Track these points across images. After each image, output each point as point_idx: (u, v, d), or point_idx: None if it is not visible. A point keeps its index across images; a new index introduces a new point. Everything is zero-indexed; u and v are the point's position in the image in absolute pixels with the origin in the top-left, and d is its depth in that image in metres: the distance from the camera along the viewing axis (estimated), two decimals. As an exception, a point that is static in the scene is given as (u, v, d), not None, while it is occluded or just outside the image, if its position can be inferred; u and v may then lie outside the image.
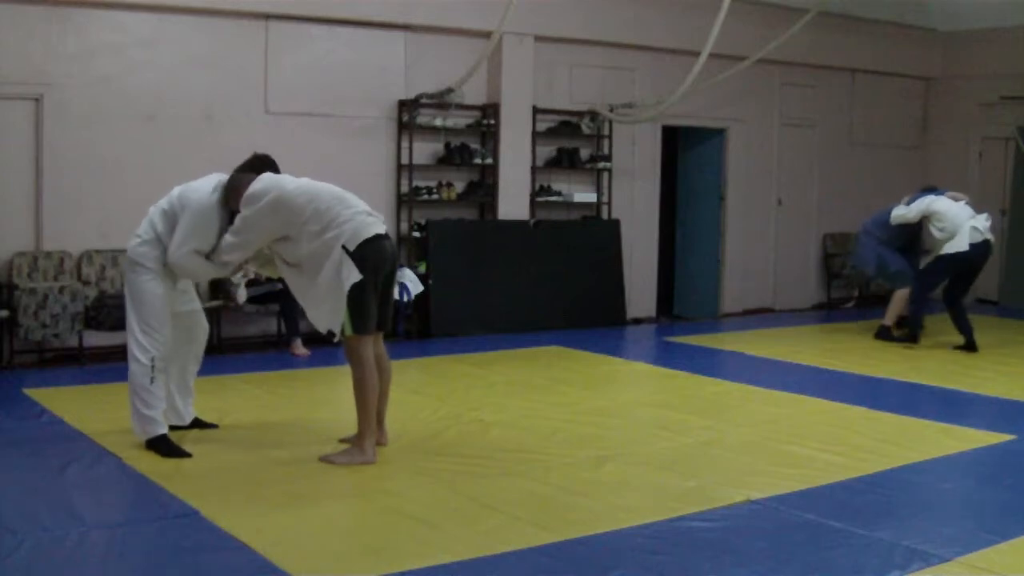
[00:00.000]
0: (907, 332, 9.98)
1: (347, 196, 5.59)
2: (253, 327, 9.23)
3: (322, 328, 5.61)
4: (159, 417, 5.59)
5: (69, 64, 8.29)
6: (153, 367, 5.54)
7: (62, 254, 8.30)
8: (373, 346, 5.63)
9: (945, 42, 13.40)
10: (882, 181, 12.85)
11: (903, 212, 9.94)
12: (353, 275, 5.34)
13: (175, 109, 8.73)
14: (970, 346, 9.57)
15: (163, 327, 5.61)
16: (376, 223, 5.50)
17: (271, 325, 9.26)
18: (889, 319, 10.13)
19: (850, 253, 10.71)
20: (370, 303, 5.44)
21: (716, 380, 8.07)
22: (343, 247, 5.36)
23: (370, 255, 5.40)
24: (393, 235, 9.87)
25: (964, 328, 9.64)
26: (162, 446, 5.53)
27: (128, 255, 5.77)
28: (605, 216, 10.99)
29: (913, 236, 10.22)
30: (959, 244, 9.59)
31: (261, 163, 5.82)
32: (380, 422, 5.75)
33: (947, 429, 6.48)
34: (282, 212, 5.47)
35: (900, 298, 10.11)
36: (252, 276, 8.68)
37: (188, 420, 6.00)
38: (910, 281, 9.99)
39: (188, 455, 5.51)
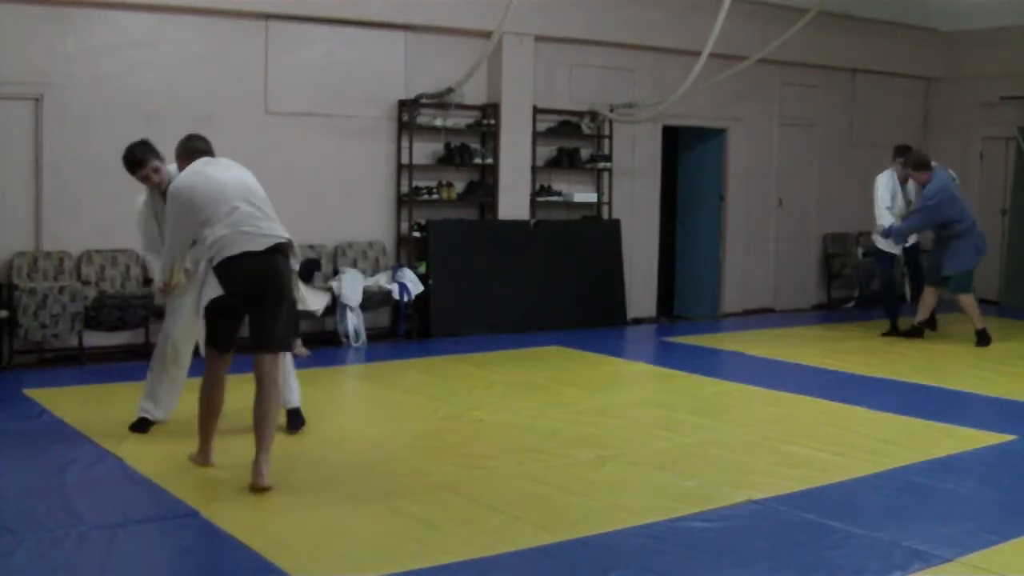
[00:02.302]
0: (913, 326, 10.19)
1: (240, 205, 5.20)
2: (253, 327, 9.22)
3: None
4: (143, 403, 6.11)
5: (69, 64, 8.29)
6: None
7: (62, 254, 8.30)
8: (247, 364, 5.33)
9: (945, 42, 13.40)
10: (882, 181, 12.84)
11: None
12: (209, 291, 5.20)
13: (175, 109, 8.72)
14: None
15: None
16: (248, 240, 5.13)
17: (271, 325, 9.25)
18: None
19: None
20: (220, 320, 5.26)
21: (716, 380, 8.07)
22: (209, 260, 5.21)
23: (228, 273, 5.13)
24: (393, 235, 9.92)
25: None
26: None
27: None
28: (605, 216, 10.99)
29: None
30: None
31: (193, 148, 5.66)
32: (258, 450, 5.10)
33: (947, 429, 6.48)
34: (188, 214, 5.29)
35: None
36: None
37: None
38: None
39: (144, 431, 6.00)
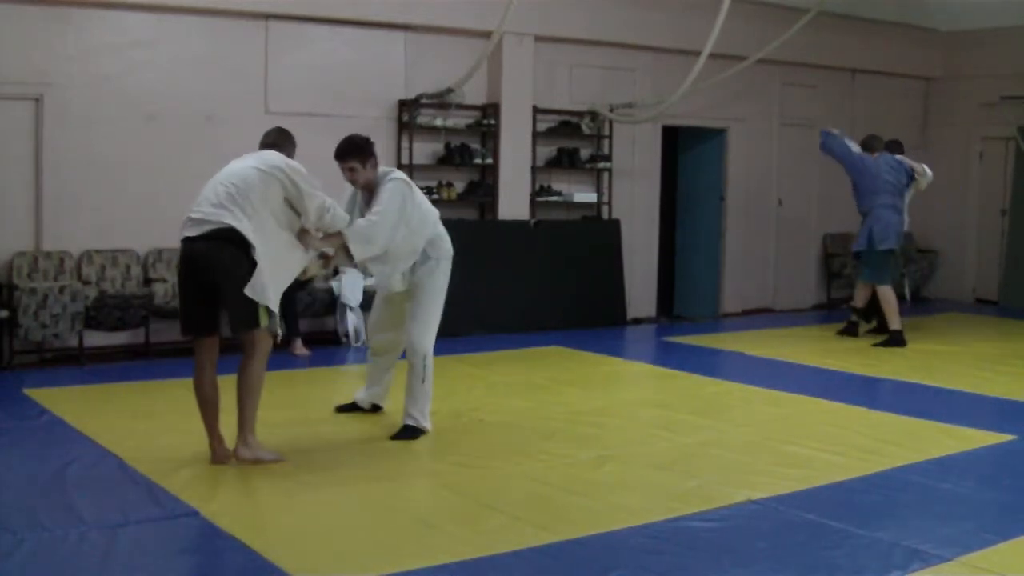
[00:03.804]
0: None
1: (206, 194, 5.33)
2: (253, 327, 9.21)
3: None
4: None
5: (69, 64, 8.29)
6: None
7: (62, 254, 8.30)
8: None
9: (946, 42, 13.40)
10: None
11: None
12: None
13: (175, 109, 8.73)
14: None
15: None
16: (191, 226, 5.26)
17: (271, 325, 9.25)
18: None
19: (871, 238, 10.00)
20: (186, 303, 5.43)
21: (716, 380, 8.07)
22: None
23: (179, 257, 5.44)
24: (393, 235, 9.92)
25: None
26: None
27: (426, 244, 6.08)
28: (605, 216, 10.99)
29: None
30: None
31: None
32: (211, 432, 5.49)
33: (947, 429, 6.48)
34: None
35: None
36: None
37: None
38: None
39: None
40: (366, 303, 9.26)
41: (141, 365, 8.24)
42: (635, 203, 11.31)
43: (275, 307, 5.36)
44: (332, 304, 9.16)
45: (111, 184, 8.50)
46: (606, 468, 5.53)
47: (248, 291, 5.18)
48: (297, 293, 8.77)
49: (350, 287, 9.12)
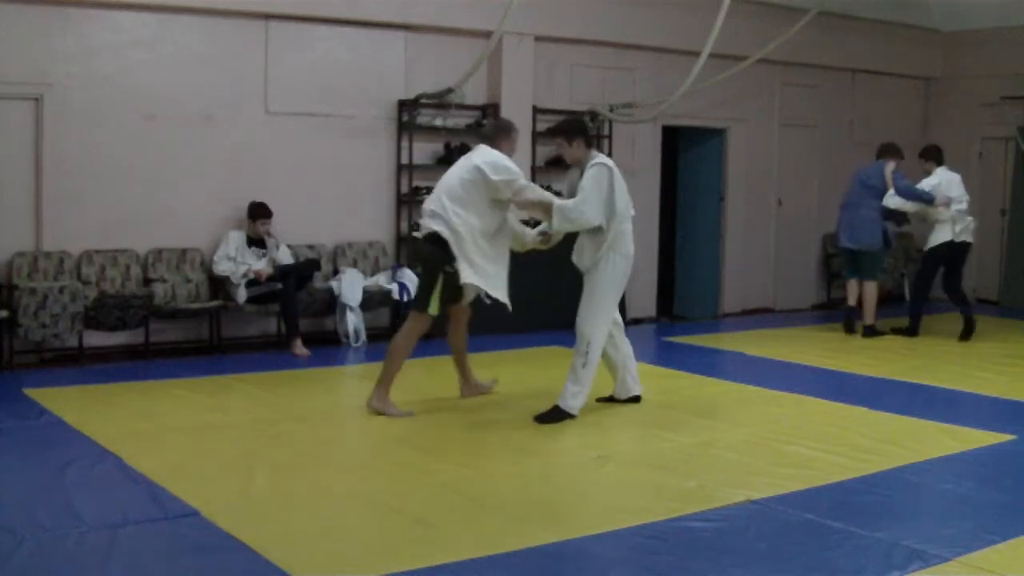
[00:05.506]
0: (907, 325, 10.25)
1: (431, 195, 6.63)
2: (253, 327, 9.22)
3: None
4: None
5: (69, 64, 8.29)
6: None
7: (62, 254, 8.30)
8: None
9: (946, 42, 13.40)
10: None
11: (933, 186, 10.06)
12: None
13: (175, 109, 8.73)
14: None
15: None
16: (420, 230, 6.69)
17: (271, 325, 9.27)
18: (872, 317, 10.30)
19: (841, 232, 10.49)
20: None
21: (716, 380, 8.07)
22: None
23: None
24: (393, 235, 9.95)
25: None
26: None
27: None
28: (605, 216, 10.97)
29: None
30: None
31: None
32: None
33: (947, 429, 6.48)
34: None
35: (873, 293, 10.41)
36: (252, 276, 8.70)
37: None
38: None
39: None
40: (365, 303, 9.28)
41: (141, 365, 8.24)
42: (635, 203, 11.25)
43: (488, 288, 6.41)
44: (332, 304, 9.16)
45: (111, 184, 8.50)
46: (606, 468, 5.53)
47: (463, 280, 6.29)
48: (299, 293, 8.79)
49: (350, 287, 9.11)
